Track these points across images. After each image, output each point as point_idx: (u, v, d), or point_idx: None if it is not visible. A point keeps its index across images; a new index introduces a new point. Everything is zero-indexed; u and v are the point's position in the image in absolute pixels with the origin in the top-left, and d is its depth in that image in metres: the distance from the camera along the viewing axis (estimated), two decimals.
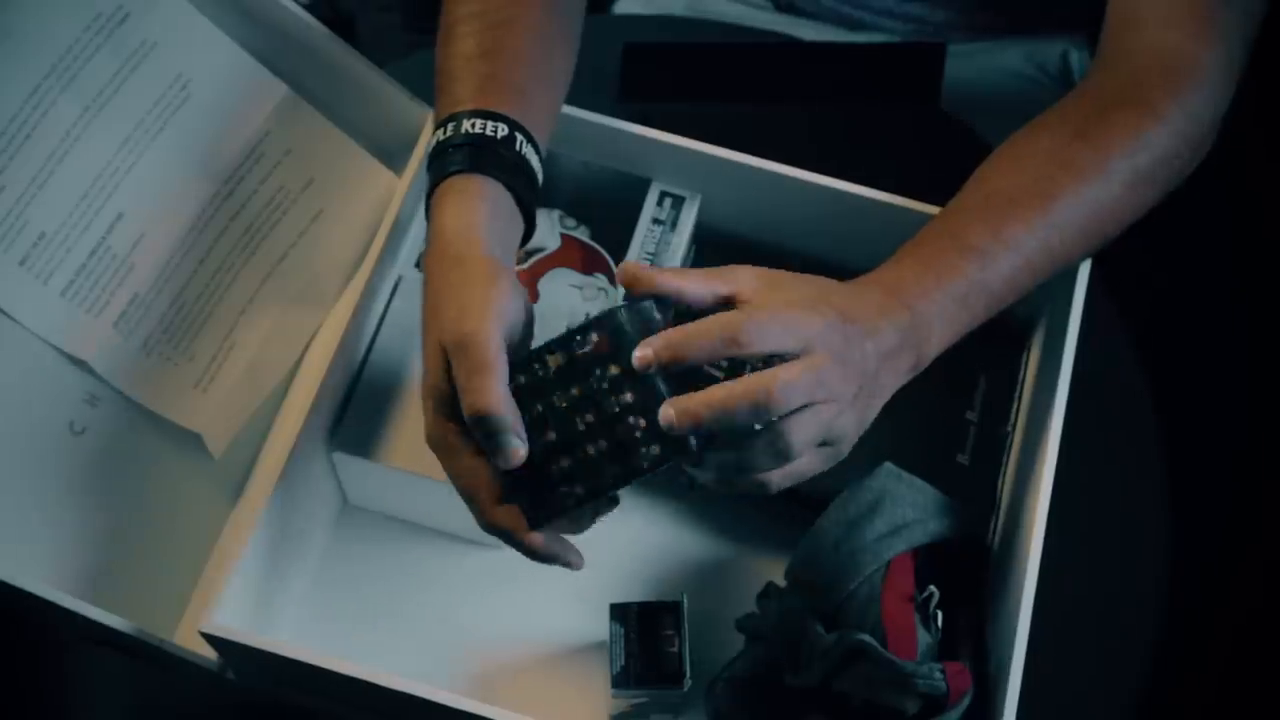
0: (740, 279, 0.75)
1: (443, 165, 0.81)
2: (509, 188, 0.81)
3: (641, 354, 0.72)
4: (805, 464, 0.75)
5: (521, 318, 0.77)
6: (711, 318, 0.72)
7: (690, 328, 0.72)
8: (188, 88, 0.91)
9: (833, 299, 0.75)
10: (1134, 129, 0.84)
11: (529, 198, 0.82)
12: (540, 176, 0.84)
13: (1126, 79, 0.87)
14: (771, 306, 0.73)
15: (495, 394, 0.72)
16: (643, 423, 0.73)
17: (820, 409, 0.72)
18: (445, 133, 0.82)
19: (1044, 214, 0.82)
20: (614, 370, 0.73)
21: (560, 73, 0.90)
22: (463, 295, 0.75)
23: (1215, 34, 0.87)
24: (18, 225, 0.84)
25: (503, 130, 0.81)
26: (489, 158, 0.80)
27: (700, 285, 0.75)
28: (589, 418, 0.73)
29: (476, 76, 0.84)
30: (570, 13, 0.91)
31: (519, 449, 0.73)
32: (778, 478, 0.74)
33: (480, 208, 0.79)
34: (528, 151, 0.82)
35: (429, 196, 0.82)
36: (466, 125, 0.81)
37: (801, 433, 0.72)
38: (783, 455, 0.72)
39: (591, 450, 0.74)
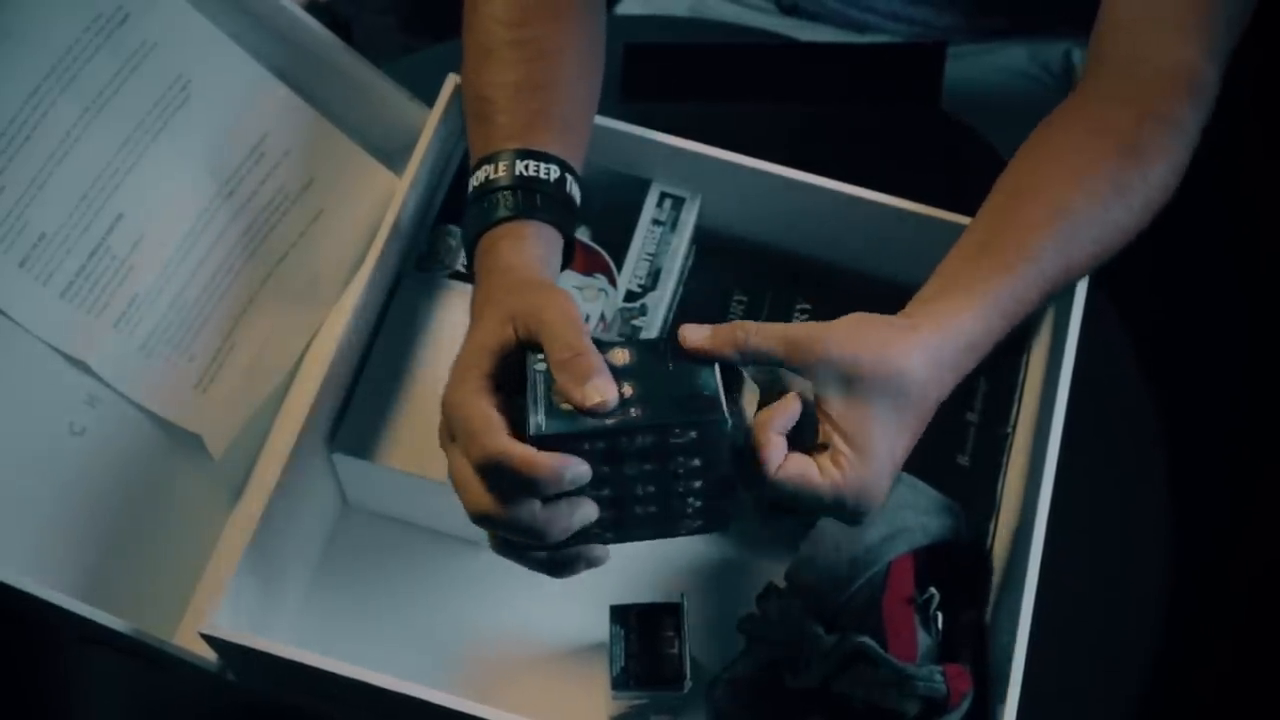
0: (821, 377, 0.74)
1: (493, 208, 0.81)
2: (561, 230, 0.82)
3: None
4: None
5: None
6: (825, 492, 0.73)
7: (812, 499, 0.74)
8: (187, 88, 0.91)
9: (909, 429, 0.76)
10: (1171, 150, 0.85)
11: (570, 231, 0.84)
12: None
13: (1155, 91, 0.87)
14: (864, 467, 0.74)
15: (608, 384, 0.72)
16: (698, 504, 0.75)
17: None
18: (495, 170, 0.82)
19: (1101, 234, 0.83)
20: (696, 463, 0.73)
21: (596, 100, 0.90)
22: (549, 291, 0.77)
23: (1216, 46, 0.87)
24: (18, 226, 0.84)
25: (555, 173, 0.82)
26: (541, 201, 0.81)
27: (775, 351, 0.74)
28: (650, 488, 0.74)
29: (525, 112, 0.84)
30: (601, 34, 0.92)
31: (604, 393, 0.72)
32: None
33: (537, 252, 0.80)
34: (574, 191, 0.83)
35: (477, 234, 0.82)
36: (520, 168, 0.82)
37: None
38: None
39: (638, 510, 0.75)
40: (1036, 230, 0.81)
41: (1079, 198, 0.82)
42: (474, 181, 0.83)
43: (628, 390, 0.73)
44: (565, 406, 0.72)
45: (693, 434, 0.72)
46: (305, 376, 0.94)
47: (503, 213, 0.81)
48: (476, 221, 0.82)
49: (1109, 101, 0.87)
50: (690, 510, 0.75)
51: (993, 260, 0.80)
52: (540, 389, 0.73)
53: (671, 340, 0.75)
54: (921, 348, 0.75)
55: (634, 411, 0.72)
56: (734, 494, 0.75)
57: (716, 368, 0.74)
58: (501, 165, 0.82)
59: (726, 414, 0.72)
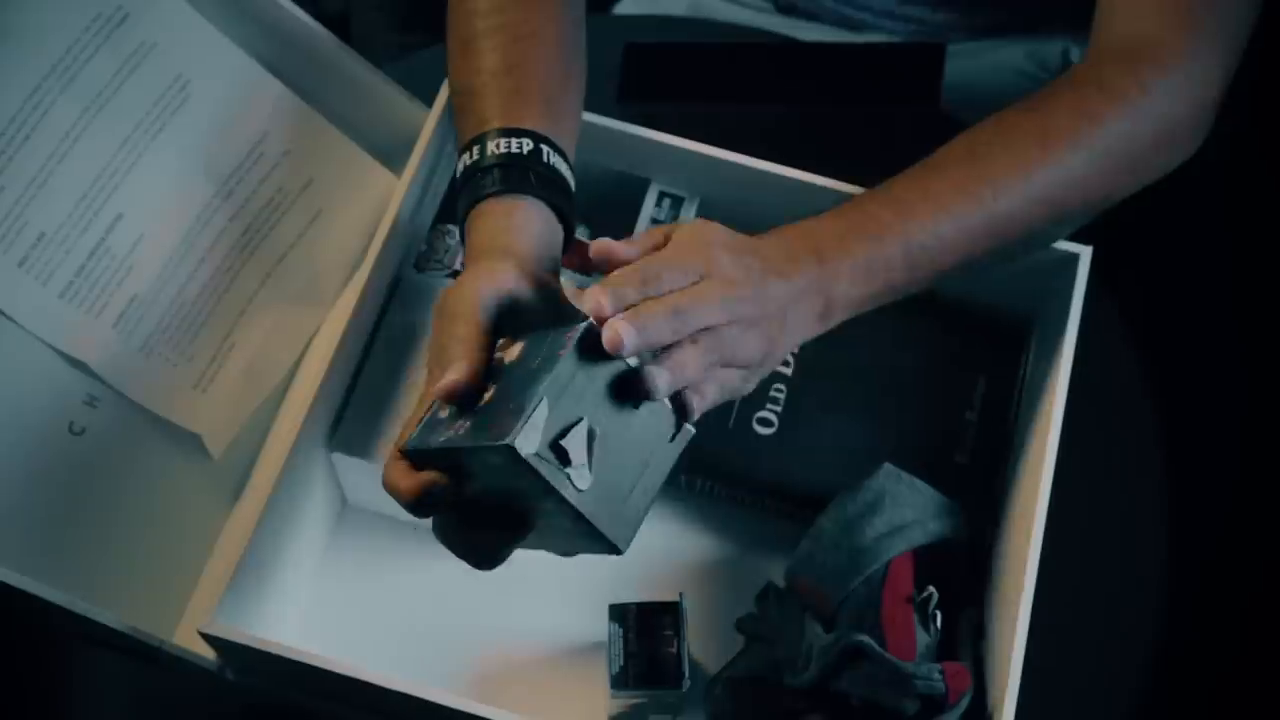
0: (677, 231, 0.77)
1: (476, 189, 0.81)
2: (545, 201, 0.82)
3: (594, 305, 0.71)
4: (709, 387, 0.74)
5: (514, 289, 0.77)
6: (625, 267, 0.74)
7: (610, 276, 0.73)
8: (187, 88, 0.91)
9: (746, 242, 0.77)
10: (1082, 103, 0.85)
11: (566, 206, 0.83)
12: (573, 183, 0.84)
13: (1091, 64, 0.88)
14: (674, 247, 0.75)
15: (462, 347, 0.73)
16: (568, 523, 0.70)
17: (720, 331, 0.73)
18: (473, 156, 0.82)
19: (973, 173, 0.82)
20: (523, 484, 0.68)
21: (580, 80, 0.90)
22: (461, 278, 0.77)
23: (1195, 26, 0.86)
24: (17, 226, 0.84)
25: (528, 145, 0.82)
26: (519, 175, 0.81)
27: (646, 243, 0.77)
28: (525, 502, 0.70)
29: (502, 93, 0.84)
30: (580, 17, 0.92)
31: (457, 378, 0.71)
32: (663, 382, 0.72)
33: (510, 224, 0.80)
34: (556, 161, 0.83)
35: (464, 221, 0.82)
36: (492, 146, 0.82)
37: (698, 353, 0.73)
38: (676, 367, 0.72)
39: (534, 521, 0.72)
40: (940, 169, 0.82)
41: (952, 151, 0.83)
42: (456, 171, 0.83)
43: (488, 395, 0.70)
44: (441, 415, 0.71)
45: (496, 459, 0.67)
46: (304, 376, 0.94)
47: (480, 192, 0.81)
48: (462, 209, 0.82)
49: (1063, 80, 0.88)
50: (571, 527, 0.70)
51: (855, 200, 0.82)
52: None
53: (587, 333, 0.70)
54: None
55: (460, 428, 0.69)
56: (581, 518, 0.69)
57: (551, 375, 0.67)
58: (477, 149, 0.82)
59: (514, 438, 0.65)
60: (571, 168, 0.85)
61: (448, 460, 0.70)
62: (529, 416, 0.66)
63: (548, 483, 0.67)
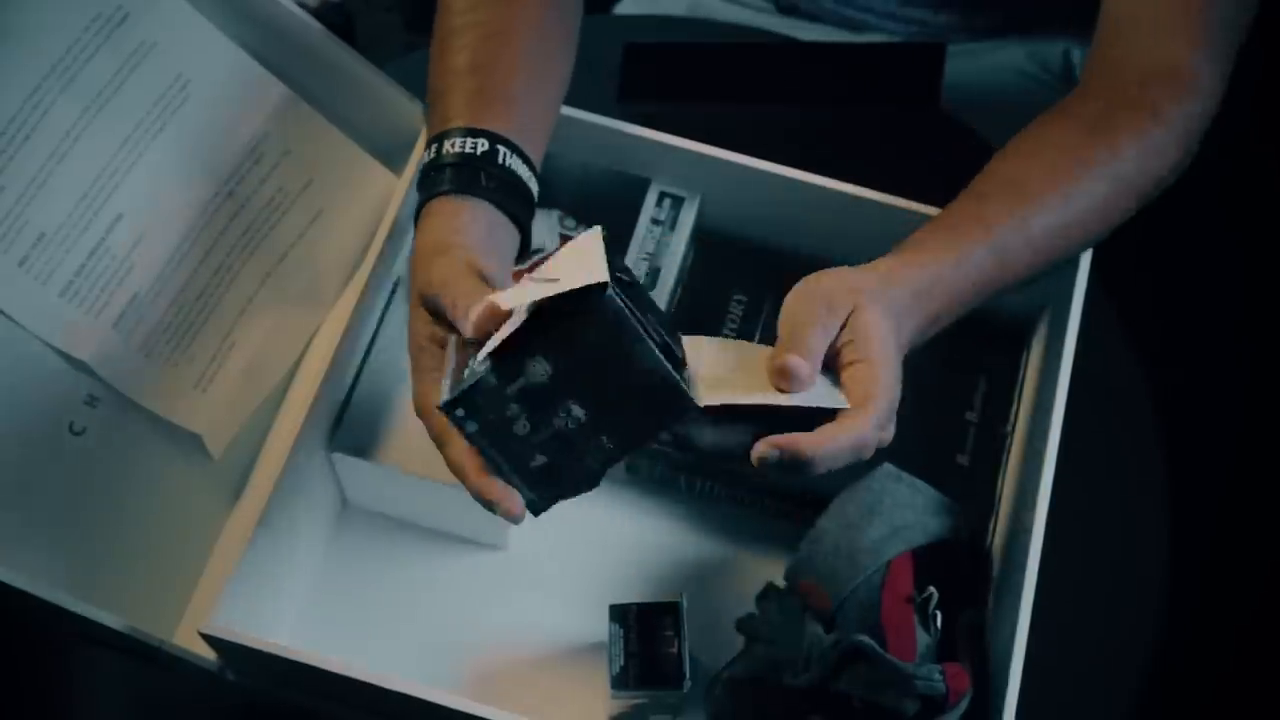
0: (812, 345, 0.75)
1: (429, 188, 0.81)
2: (496, 204, 0.81)
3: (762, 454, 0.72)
4: None
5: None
6: (837, 440, 0.72)
7: (823, 447, 0.72)
8: (187, 88, 0.91)
9: (896, 350, 0.76)
10: (1141, 130, 0.86)
11: (521, 210, 0.82)
12: (534, 185, 0.84)
13: (1132, 83, 0.88)
14: (875, 407, 0.74)
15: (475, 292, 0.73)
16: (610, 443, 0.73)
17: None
18: (430, 154, 0.82)
19: (1062, 205, 0.84)
20: (577, 410, 0.71)
21: (558, 77, 0.89)
22: (432, 258, 0.77)
23: (1209, 44, 0.88)
24: (17, 226, 0.84)
25: (483, 146, 0.81)
26: (472, 176, 0.80)
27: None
28: (578, 410, 0.72)
29: (464, 92, 0.84)
30: (569, 14, 0.91)
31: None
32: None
33: (457, 225, 0.79)
34: (513, 163, 0.82)
35: (416, 218, 0.82)
36: (448, 145, 0.81)
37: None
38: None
39: (595, 444, 0.73)
40: (988, 200, 0.83)
41: (1036, 170, 0.84)
42: (417, 169, 0.83)
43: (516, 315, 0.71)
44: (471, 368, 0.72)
45: (590, 324, 0.70)
46: (305, 376, 0.94)
47: (436, 190, 0.81)
48: (416, 206, 0.82)
49: (1089, 96, 0.89)
50: (650, 400, 0.72)
51: (944, 230, 0.82)
52: (452, 360, 0.74)
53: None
54: (869, 296, 0.76)
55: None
56: (665, 375, 0.71)
57: (602, 259, 0.71)
58: (435, 147, 0.82)
59: (602, 277, 0.69)
60: (534, 170, 0.84)
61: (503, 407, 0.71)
62: (606, 261, 0.69)
63: (636, 332, 0.69)
